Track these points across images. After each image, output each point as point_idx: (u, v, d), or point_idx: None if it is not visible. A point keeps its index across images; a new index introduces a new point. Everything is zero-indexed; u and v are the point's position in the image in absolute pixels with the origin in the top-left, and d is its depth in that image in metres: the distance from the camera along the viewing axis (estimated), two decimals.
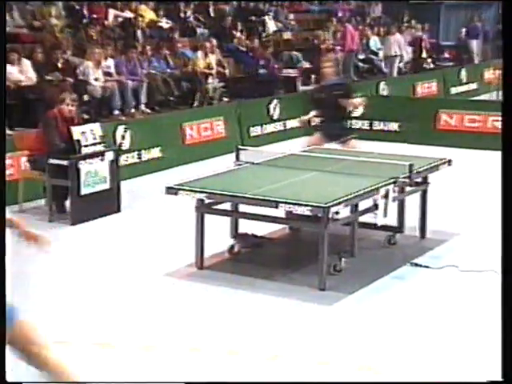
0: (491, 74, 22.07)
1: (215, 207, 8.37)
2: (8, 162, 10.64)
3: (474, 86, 21.93)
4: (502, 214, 4.99)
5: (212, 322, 6.97)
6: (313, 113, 11.33)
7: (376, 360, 6.22)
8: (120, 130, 12.45)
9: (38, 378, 4.94)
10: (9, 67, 13.64)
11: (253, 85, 17.81)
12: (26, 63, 14.15)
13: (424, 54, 23.25)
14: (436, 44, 25.56)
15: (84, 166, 9.97)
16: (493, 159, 12.99)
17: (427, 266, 8.40)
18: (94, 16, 17.57)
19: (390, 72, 21.51)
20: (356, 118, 15.88)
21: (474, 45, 25.60)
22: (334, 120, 11.03)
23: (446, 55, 25.21)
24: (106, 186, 10.28)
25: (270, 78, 18.28)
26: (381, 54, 22.06)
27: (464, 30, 26.20)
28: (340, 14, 24.15)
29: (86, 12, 17.57)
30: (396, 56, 21.81)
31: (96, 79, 14.60)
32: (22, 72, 13.94)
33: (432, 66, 23.64)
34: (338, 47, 21.14)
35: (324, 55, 12.90)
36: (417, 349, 6.42)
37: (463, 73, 22.17)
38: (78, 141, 9.94)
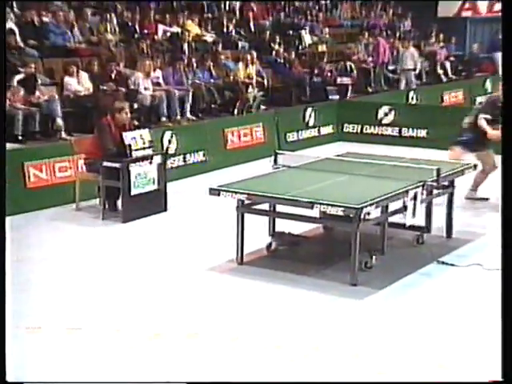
0: None
1: (254, 207, 8.36)
2: (66, 164, 10.87)
3: (497, 94, 21.59)
4: (502, 214, 4.82)
5: (251, 315, 6.96)
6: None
7: (404, 352, 6.18)
8: (167, 135, 12.49)
9: (38, 378, 4.86)
10: (68, 78, 13.96)
11: (304, 91, 17.95)
12: (84, 75, 14.32)
13: (438, 67, 22.93)
14: (463, 56, 25.37)
15: (134, 169, 10.02)
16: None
17: (453, 264, 8.32)
18: (145, 31, 17.68)
19: (407, 83, 21.26)
20: (387, 125, 15.86)
21: (498, 57, 25.38)
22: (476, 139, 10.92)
23: (473, 66, 24.93)
24: (154, 187, 10.32)
25: (323, 85, 18.54)
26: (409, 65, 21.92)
27: (476, 45, 25.99)
28: (372, 28, 24.01)
29: (137, 27, 17.68)
30: (410, 69, 21.60)
31: (146, 89, 14.70)
32: (79, 83, 14.12)
33: (445, 78, 23.24)
34: (370, 59, 21.09)
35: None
36: (441, 343, 6.36)
37: (488, 83, 21.94)
38: (129, 145, 10.00)
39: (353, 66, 19.85)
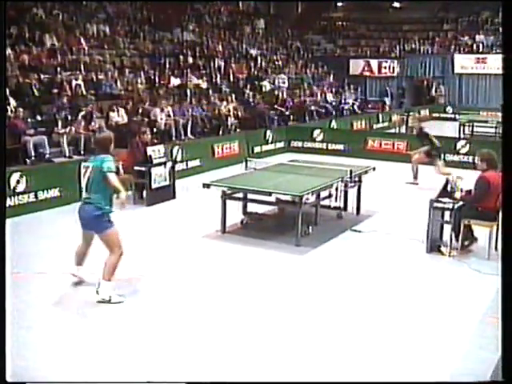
0: (396, 118, 21.70)
1: (233, 195, 8.16)
2: None
3: (386, 124, 21.56)
4: (503, 215, 3.98)
5: (230, 266, 6.83)
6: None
7: (329, 286, 6.13)
8: (175, 148, 12.16)
9: (38, 378, 4.27)
10: (112, 113, 13.75)
11: (264, 120, 17.40)
12: (122, 111, 13.99)
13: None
14: (365, 99, 25.33)
15: (154, 171, 9.81)
16: (396, 167, 12.77)
17: (360, 231, 8.28)
18: (162, 82, 17.35)
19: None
20: (319, 141, 15.70)
21: (386, 100, 25.47)
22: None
23: (370, 105, 24.97)
24: (167, 183, 10.07)
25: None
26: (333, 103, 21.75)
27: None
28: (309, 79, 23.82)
29: (157, 79, 17.33)
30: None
31: (161, 119, 14.46)
32: (119, 116, 13.81)
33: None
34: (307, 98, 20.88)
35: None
36: (354, 278, 6.32)
37: (380, 116, 21.83)
38: (151, 156, 9.84)
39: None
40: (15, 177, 8.95)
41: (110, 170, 5.49)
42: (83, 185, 5.77)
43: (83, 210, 5.68)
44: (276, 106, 18.86)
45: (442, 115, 25.12)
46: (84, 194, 5.73)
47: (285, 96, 20.06)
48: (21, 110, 12.01)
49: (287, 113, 18.90)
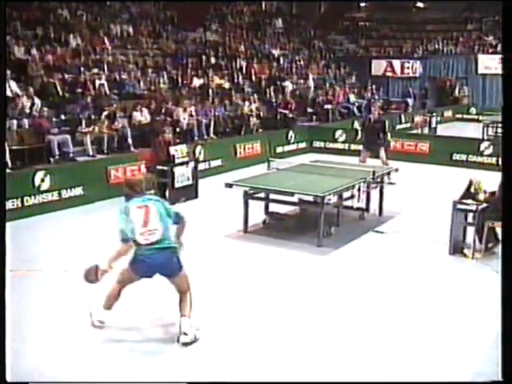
0: (418, 118, 21.44)
1: (255, 195, 8.16)
2: (134, 167, 10.56)
3: (408, 125, 21.31)
4: (503, 215, 3.85)
5: (252, 265, 6.83)
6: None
7: (351, 286, 6.13)
8: (198, 148, 12.22)
9: (38, 378, 4.20)
10: (135, 113, 13.82)
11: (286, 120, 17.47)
12: (145, 110, 14.05)
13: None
14: (387, 100, 25.14)
15: (176, 170, 9.87)
16: (419, 168, 12.67)
17: (383, 232, 8.23)
18: (184, 82, 17.42)
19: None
20: (341, 142, 15.63)
21: (409, 101, 25.24)
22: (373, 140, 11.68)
23: (393, 106, 24.76)
24: (190, 182, 10.13)
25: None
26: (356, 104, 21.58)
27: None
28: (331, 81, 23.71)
29: (179, 79, 17.41)
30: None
31: (184, 119, 14.44)
32: (142, 115, 13.86)
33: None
34: (330, 99, 20.79)
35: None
36: (375, 278, 6.29)
37: (403, 117, 21.61)
38: (173, 155, 9.91)
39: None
40: (39, 175, 9.08)
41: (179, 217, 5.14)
42: (146, 228, 4.83)
43: (158, 258, 4.85)
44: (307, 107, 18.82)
45: (466, 116, 24.87)
46: (147, 240, 4.82)
47: (309, 96, 20.01)
48: (45, 109, 12.17)
49: (309, 113, 18.86)
